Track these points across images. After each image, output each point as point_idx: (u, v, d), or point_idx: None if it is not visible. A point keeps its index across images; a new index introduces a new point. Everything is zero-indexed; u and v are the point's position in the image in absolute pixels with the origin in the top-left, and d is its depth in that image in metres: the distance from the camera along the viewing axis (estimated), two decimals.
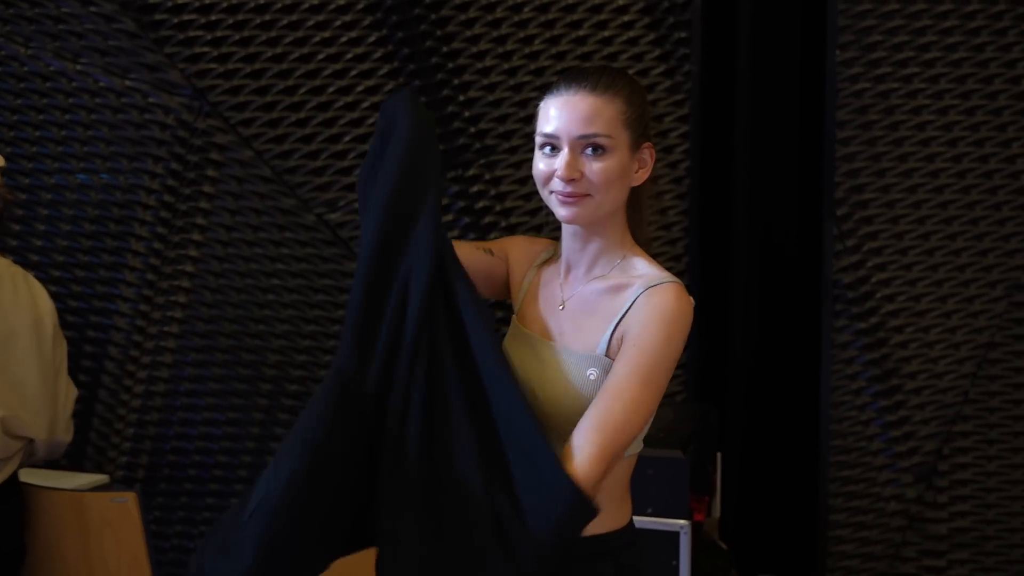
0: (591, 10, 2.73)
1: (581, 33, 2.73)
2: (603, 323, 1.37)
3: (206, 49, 2.72)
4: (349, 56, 2.74)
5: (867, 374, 2.75)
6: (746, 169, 2.92)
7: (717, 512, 2.62)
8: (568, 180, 1.35)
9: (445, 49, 2.74)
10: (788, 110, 2.90)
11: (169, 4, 2.70)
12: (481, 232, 2.80)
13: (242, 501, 1.28)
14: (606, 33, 2.73)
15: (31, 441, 2.15)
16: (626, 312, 1.35)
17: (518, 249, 1.55)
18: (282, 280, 2.79)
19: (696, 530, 2.28)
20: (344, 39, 2.73)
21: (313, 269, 2.79)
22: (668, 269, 1.41)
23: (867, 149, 2.70)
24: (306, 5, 2.72)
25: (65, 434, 2.19)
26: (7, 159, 2.60)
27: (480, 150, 2.78)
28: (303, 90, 2.74)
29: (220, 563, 1.25)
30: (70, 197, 2.77)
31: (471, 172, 2.78)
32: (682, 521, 2.22)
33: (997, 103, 2.68)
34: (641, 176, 1.41)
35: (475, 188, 2.79)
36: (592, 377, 1.35)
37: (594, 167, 1.35)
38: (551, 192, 1.39)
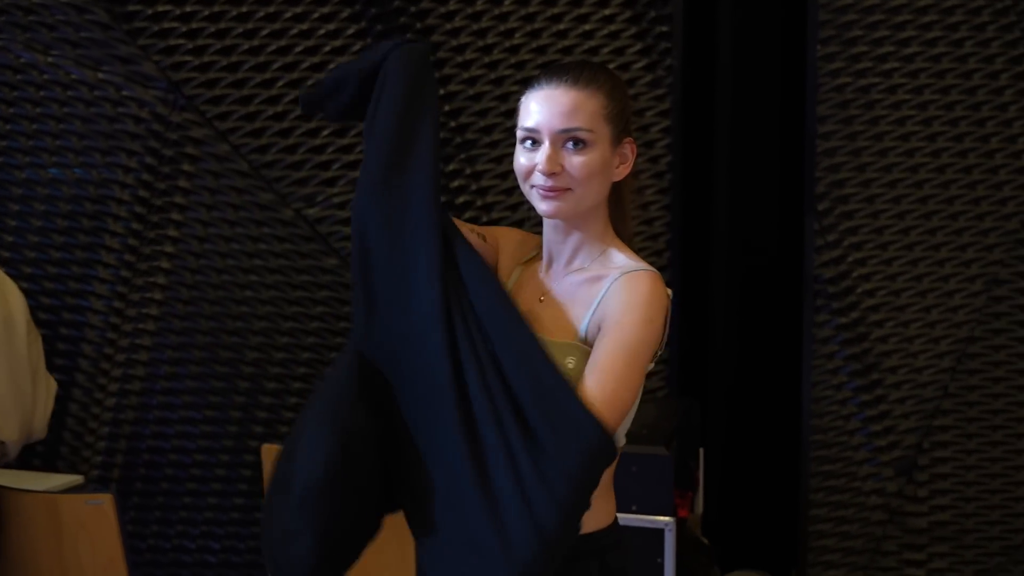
0: (572, 4, 2.71)
1: (562, 27, 2.72)
2: (581, 311, 1.39)
3: (181, 41, 2.68)
4: (327, 49, 2.71)
5: (848, 369, 2.76)
6: (727, 164, 2.92)
7: (700, 508, 2.62)
8: (549, 174, 1.35)
9: None
10: (769, 105, 2.90)
11: None
12: None
13: (281, 481, 1.35)
14: (587, 27, 2.72)
15: (1, 443, 2.11)
16: (603, 297, 1.37)
17: (511, 243, 1.54)
18: (260, 276, 2.76)
19: (680, 527, 2.28)
20: (322, 31, 2.70)
21: (291, 265, 2.76)
22: (651, 264, 1.41)
23: (848, 144, 2.71)
24: None
25: (40, 432, 2.15)
26: None
27: (461, 144, 2.76)
28: (281, 83, 2.70)
29: (287, 550, 1.34)
30: (42, 192, 2.72)
31: (452, 167, 2.76)
32: (667, 518, 2.22)
33: (976, 99, 2.70)
34: (622, 171, 1.42)
35: (456, 183, 2.77)
36: (571, 365, 1.35)
37: (575, 161, 1.36)
38: (532, 186, 1.39)
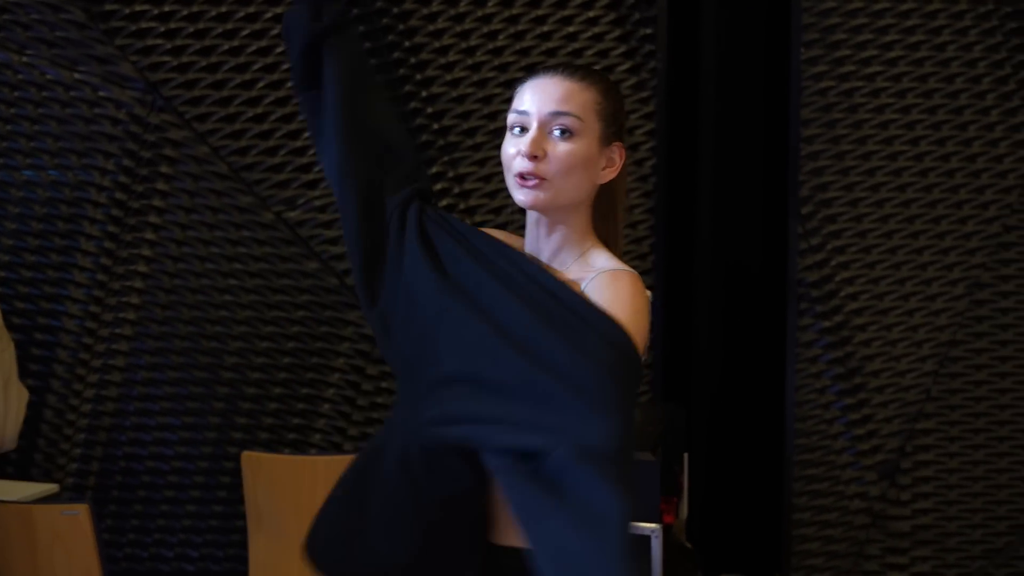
0: (556, 5, 2.70)
1: (546, 29, 2.71)
2: None
3: (159, 41, 2.64)
4: None
5: (831, 372, 2.77)
6: (711, 167, 2.91)
7: (684, 513, 2.60)
8: (531, 157, 1.33)
9: (408, 44, 2.70)
10: (753, 109, 2.90)
11: None
12: None
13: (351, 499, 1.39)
14: (571, 29, 2.71)
15: None
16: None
17: None
18: (239, 280, 2.72)
19: (666, 533, 2.26)
20: None
21: (271, 269, 2.73)
22: (633, 268, 1.40)
23: (831, 147, 2.71)
24: None
25: (11, 443, 2.10)
26: None
27: (443, 147, 2.74)
28: (261, 84, 2.67)
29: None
30: (16, 195, 2.67)
31: (434, 169, 2.74)
32: (653, 525, 2.20)
33: (958, 102, 2.71)
34: (607, 175, 1.40)
35: (439, 185, 2.75)
36: None
37: (559, 149, 1.34)
38: (514, 175, 1.37)
